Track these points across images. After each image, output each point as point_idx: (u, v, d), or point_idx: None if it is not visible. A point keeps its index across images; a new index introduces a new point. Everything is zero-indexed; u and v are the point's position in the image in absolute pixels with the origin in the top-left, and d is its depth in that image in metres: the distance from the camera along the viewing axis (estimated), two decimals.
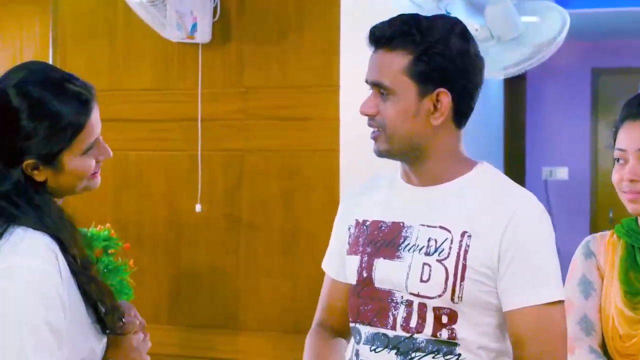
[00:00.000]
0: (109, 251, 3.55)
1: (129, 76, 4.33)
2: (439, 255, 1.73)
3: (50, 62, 4.28)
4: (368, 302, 1.80)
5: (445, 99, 1.74)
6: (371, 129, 1.80)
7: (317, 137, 4.03)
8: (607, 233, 2.15)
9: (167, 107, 4.27)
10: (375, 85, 1.78)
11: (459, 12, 3.70)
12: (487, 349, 1.75)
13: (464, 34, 1.77)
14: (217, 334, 4.22)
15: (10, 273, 1.59)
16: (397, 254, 1.77)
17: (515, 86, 6.76)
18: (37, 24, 4.57)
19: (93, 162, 1.74)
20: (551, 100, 7.26)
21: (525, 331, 1.70)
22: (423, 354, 1.73)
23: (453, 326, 1.72)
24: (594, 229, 6.38)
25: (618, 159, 2.06)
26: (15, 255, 1.61)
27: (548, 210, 1.80)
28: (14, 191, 1.67)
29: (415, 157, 1.79)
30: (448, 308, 1.72)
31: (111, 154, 1.78)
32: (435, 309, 1.73)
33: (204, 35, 4.07)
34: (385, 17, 1.79)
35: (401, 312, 1.75)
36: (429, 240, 1.75)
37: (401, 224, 1.80)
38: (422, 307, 1.74)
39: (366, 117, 1.81)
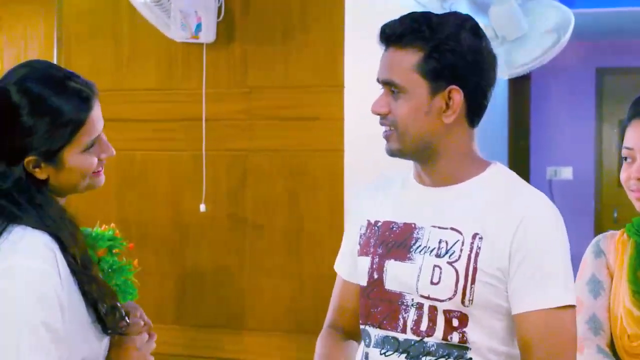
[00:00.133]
0: (114, 251, 3.54)
1: (133, 76, 4.32)
2: (449, 257, 1.71)
3: (55, 61, 4.27)
4: (378, 303, 1.79)
5: (457, 96, 1.72)
6: (383, 128, 1.77)
7: (321, 137, 4.02)
8: (618, 232, 2.13)
9: (171, 107, 4.26)
10: (387, 84, 1.75)
11: (463, 12, 3.67)
12: (497, 352, 1.73)
13: (476, 30, 1.74)
14: (222, 334, 4.21)
15: (10, 273, 1.59)
16: (408, 255, 1.75)
17: (519, 86, 6.75)
18: (41, 23, 4.57)
19: (95, 160, 1.73)
20: (555, 100, 7.25)
21: (533, 335, 1.67)
22: (433, 358, 1.71)
23: (464, 329, 1.70)
24: (599, 229, 6.37)
25: (626, 158, 2.05)
26: (15, 254, 1.60)
27: None
28: (15, 189, 1.67)
29: (428, 156, 1.77)
30: (459, 311, 1.70)
31: (114, 152, 1.77)
32: (445, 312, 1.70)
33: (208, 35, 4.06)
34: (390, 18, 1.77)
35: (411, 315, 1.73)
36: (440, 242, 1.73)
37: (413, 225, 1.78)
38: (433, 310, 1.71)
39: (371, 117, 1.80)
